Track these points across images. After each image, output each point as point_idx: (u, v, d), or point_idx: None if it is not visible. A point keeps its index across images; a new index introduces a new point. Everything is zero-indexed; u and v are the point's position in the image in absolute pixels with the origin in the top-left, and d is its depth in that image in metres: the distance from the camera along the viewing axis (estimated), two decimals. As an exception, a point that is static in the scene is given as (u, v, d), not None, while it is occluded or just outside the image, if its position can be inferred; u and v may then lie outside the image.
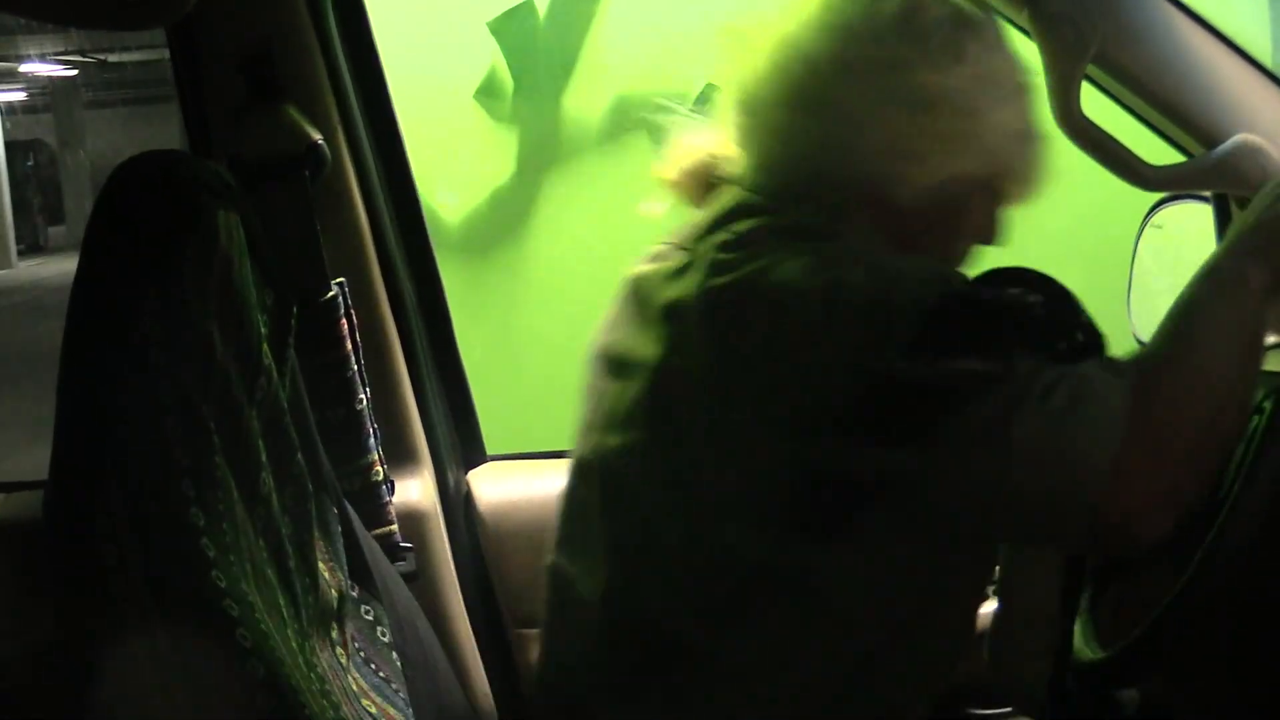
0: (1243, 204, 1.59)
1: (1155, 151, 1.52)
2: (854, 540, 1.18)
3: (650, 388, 1.24)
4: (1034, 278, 1.20)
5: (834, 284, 1.16)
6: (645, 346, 1.26)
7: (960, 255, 1.32)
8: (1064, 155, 1.52)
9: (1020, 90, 1.27)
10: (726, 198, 1.29)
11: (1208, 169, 1.49)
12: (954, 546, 1.22)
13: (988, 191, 1.28)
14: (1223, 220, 1.67)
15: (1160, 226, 1.77)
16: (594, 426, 1.32)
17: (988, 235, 1.33)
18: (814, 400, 1.14)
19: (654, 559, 1.24)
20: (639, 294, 1.31)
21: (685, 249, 1.28)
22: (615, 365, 1.31)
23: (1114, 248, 1.95)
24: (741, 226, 1.25)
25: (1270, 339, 1.66)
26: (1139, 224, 1.79)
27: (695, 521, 1.21)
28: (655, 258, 1.33)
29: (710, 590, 1.21)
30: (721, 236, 1.25)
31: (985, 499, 1.14)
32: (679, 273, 1.25)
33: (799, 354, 1.15)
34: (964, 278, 1.23)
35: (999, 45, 1.26)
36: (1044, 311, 1.18)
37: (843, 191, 1.23)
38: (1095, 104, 1.49)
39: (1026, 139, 1.28)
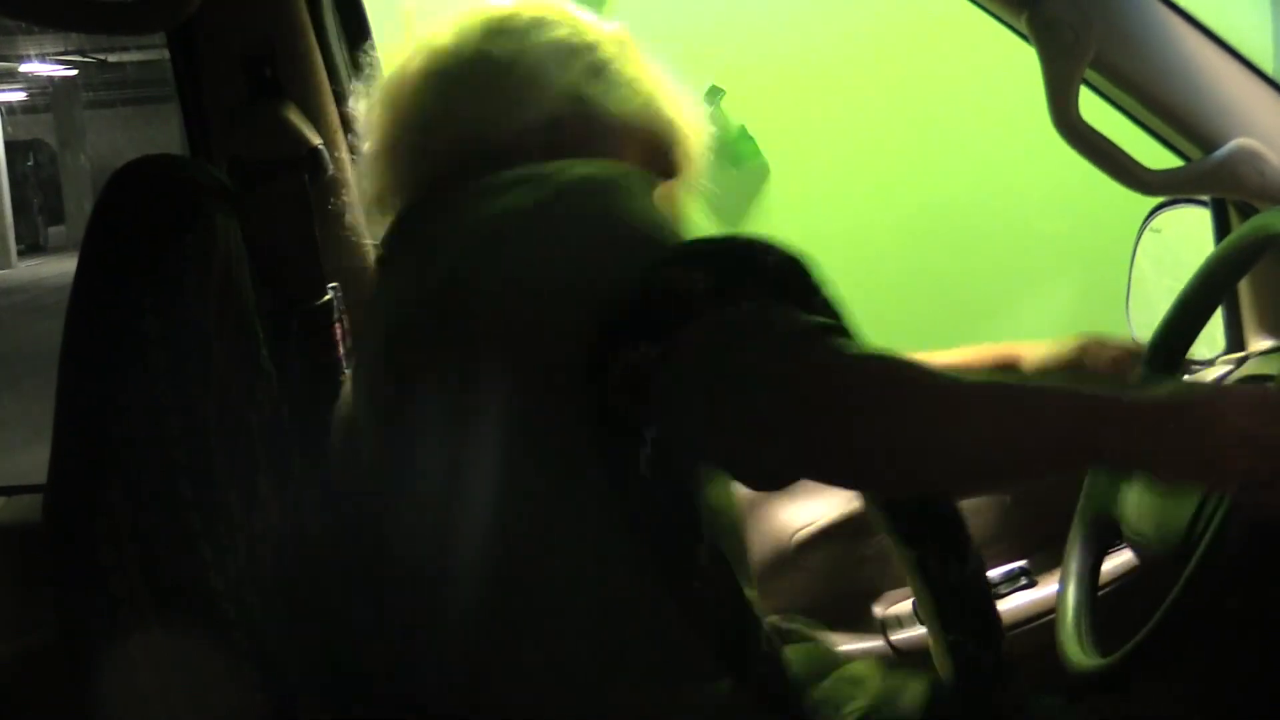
0: (1240, 208, 1.60)
1: (1153, 156, 1.52)
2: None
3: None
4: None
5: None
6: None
7: None
8: (1064, 158, 1.53)
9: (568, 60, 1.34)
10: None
11: (1206, 173, 1.50)
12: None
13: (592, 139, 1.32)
14: (1221, 224, 1.68)
15: (1159, 230, 1.78)
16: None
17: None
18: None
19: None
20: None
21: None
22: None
23: (1112, 252, 1.96)
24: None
25: (1267, 343, 1.67)
26: (1137, 228, 1.80)
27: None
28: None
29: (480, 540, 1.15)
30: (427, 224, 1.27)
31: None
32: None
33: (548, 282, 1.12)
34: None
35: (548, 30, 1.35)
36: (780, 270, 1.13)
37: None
38: (1093, 108, 1.49)
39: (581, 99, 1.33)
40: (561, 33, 1.35)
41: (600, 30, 1.38)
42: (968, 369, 1.50)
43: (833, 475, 1.10)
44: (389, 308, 1.24)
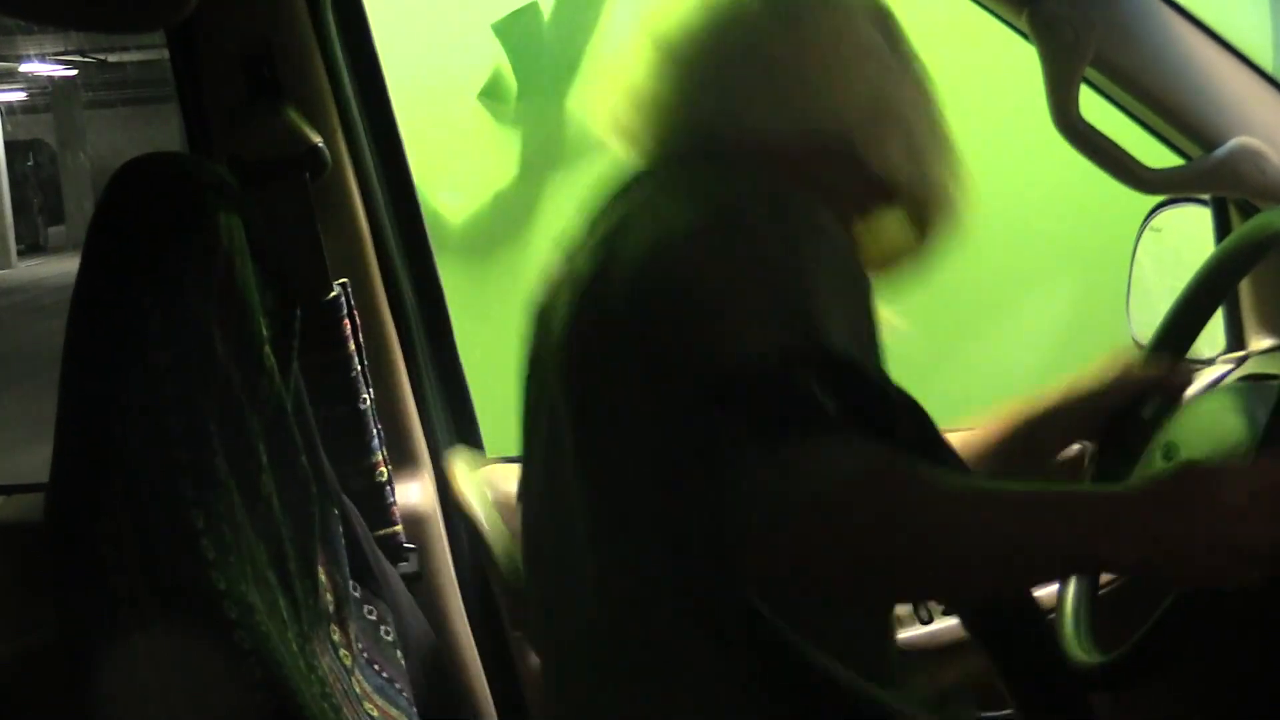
0: (1241, 207, 1.60)
1: (1153, 155, 1.52)
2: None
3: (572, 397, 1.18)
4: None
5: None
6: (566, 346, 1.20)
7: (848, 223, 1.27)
8: (1064, 157, 1.53)
9: (867, 61, 1.26)
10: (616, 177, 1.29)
11: (1206, 172, 1.50)
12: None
13: (849, 156, 1.25)
14: (1221, 223, 1.68)
15: (1159, 229, 1.77)
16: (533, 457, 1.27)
17: (861, 204, 1.28)
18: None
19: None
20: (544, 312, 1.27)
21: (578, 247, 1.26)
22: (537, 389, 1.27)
23: (1112, 251, 1.96)
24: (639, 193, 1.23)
25: (1267, 343, 1.67)
26: (1138, 227, 1.80)
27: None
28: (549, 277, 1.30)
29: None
30: (620, 208, 1.23)
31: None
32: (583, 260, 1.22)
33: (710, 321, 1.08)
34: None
35: (852, 23, 1.26)
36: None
37: (727, 144, 1.23)
38: (1094, 107, 1.49)
39: (879, 110, 1.26)
40: (869, 39, 1.27)
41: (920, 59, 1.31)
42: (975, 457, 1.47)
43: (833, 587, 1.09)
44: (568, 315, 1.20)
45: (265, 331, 1.28)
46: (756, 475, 1.01)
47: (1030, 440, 1.51)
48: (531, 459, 1.27)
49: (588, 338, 1.15)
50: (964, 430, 1.94)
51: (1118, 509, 1.06)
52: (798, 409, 1.03)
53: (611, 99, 1.30)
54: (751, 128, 1.22)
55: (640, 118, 1.28)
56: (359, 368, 1.74)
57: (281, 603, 1.23)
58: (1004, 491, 1.09)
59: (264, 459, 1.25)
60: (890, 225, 1.30)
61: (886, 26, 1.29)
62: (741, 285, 1.08)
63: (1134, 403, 1.46)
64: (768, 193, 1.14)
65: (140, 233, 1.17)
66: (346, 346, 1.72)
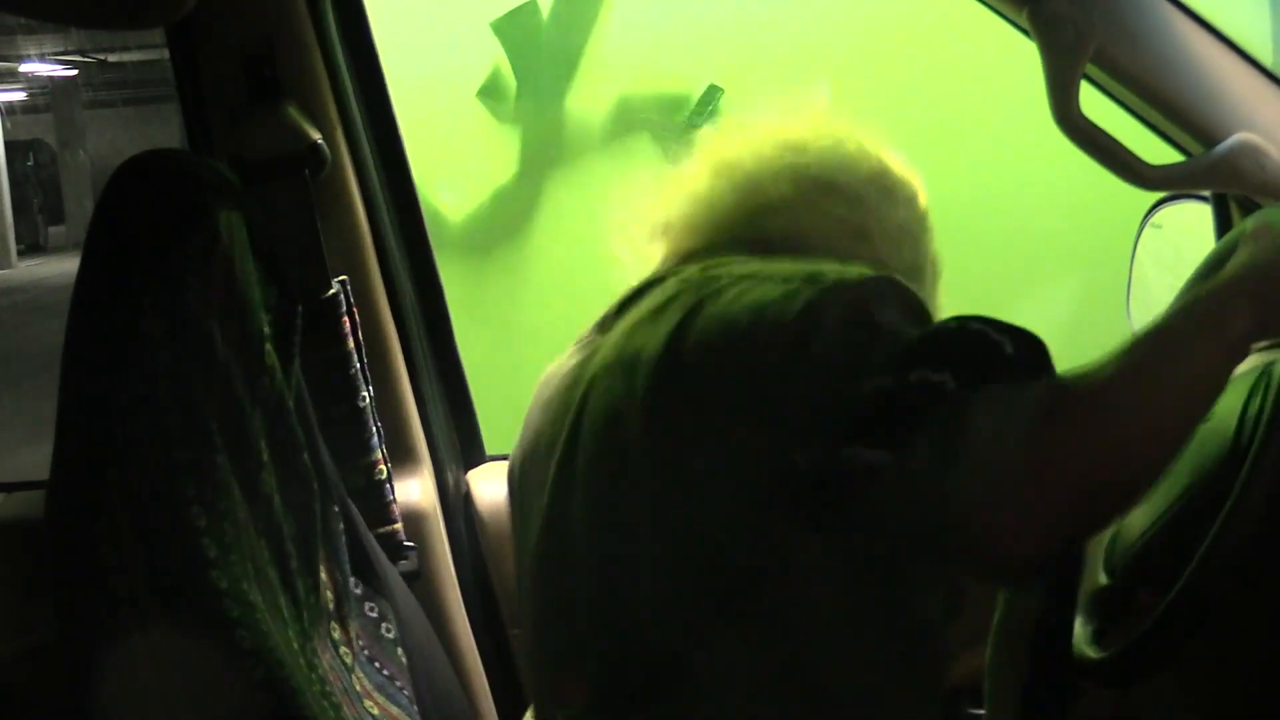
0: (1242, 203, 1.60)
1: (1154, 151, 1.52)
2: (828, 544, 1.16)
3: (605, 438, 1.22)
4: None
5: (809, 307, 1.16)
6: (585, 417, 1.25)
7: None
8: (1064, 153, 1.53)
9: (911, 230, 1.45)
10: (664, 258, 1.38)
11: (1207, 168, 1.50)
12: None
13: None
14: (1222, 220, 1.68)
15: (1159, 226, 1.77)
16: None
17: None
18: (799, 417, 1.13)
19: (640, 577, 1.22)
20: (563, 384, 1.31)
21: (607, 327, 1.32)
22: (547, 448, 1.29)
23: (1113, 248, 1.95)
24: (692, 271, 1.28)
25: (1266, 340, 1.67)
26: (1138, 224, 1.80)
27: (679, 539, 1.19)
28: (577, 349, 1.36)
29: (698, 601, 1.20)
30: (673, 282, 1.27)
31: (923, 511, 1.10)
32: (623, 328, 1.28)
33: (782, 378, 1.14)
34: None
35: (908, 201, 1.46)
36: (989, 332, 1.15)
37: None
38: (1094, 103, 1.49)
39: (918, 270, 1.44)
40: (903, 196, 1.44)
41: (916, 185, 1.47)
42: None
43: (1077, 525, 1.13)
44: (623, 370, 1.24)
45: (266, 329, 1.28)
46: (956, 470, 1.05)
47: None
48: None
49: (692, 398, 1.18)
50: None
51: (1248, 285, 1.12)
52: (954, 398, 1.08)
53: (665, 200, 1.41)
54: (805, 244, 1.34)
55: (697, 219, 1.38)
56: (358, 365, 1.74)
57: (282, 601, 1.23)
58: (1140, 347, 1.11)
59: (265, 457, 1.25)
60: None
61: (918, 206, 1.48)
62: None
63: None
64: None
65: (140, 231, 1.17)
66: (346, 344, 1.72)
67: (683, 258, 1.37)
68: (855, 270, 1.24)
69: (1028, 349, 1.14)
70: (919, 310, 1.19)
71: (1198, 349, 1.11)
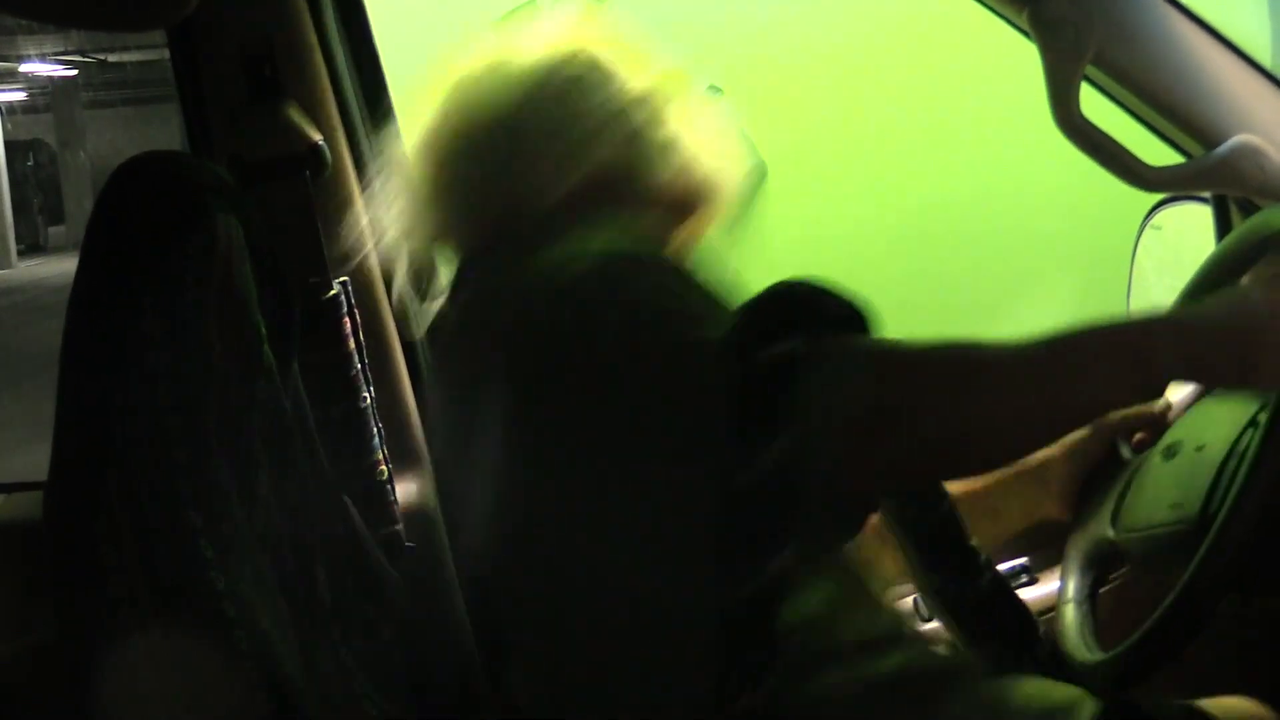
0: (1242, 205, 1.60)
1: (1154, 152, 1.52)
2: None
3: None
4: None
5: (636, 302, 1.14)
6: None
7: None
8: (1064, 155, 1.53)
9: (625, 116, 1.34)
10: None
11: (1207, 170, 1.50)
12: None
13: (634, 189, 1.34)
14: (1222, 221, 1.68)
15: (1160, 228, 1.78)
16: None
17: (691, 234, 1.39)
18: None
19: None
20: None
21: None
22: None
23: (1113, 249, 1.96)
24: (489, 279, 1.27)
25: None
26: (1138, 225, 1.80)
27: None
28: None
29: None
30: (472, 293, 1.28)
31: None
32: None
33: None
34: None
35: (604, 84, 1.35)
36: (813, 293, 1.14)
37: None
38: (1094, 105, 1.49)
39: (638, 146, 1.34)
40: (602, 95, 1.34)
41: (649, 74, 1.37)
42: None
43: (933, 469, 1.15)
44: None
45: (264, 331, 1.28)
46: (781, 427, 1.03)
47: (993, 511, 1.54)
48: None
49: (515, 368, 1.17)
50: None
51: (1175, 322, 1.12)
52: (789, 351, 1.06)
53: (411, 201, 1.37)
54: (549, 194, 1.30)
55: (446, 212, 1.35)
56: (359, 366, 1.74)
57: (281, 602, 1.23)
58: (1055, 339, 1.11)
59: (263, 459, 1.25)
60: (702, 222, 1.40)
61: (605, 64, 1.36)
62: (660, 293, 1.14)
63: (1112, 446, 1.48)
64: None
65: (138, 233, 1.17)
66: (346, 345, 1.72)
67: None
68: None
69: (852, 307, 1.14)
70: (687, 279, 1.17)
71: (1093, 375, 1.10)
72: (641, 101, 1.36)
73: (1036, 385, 1.09)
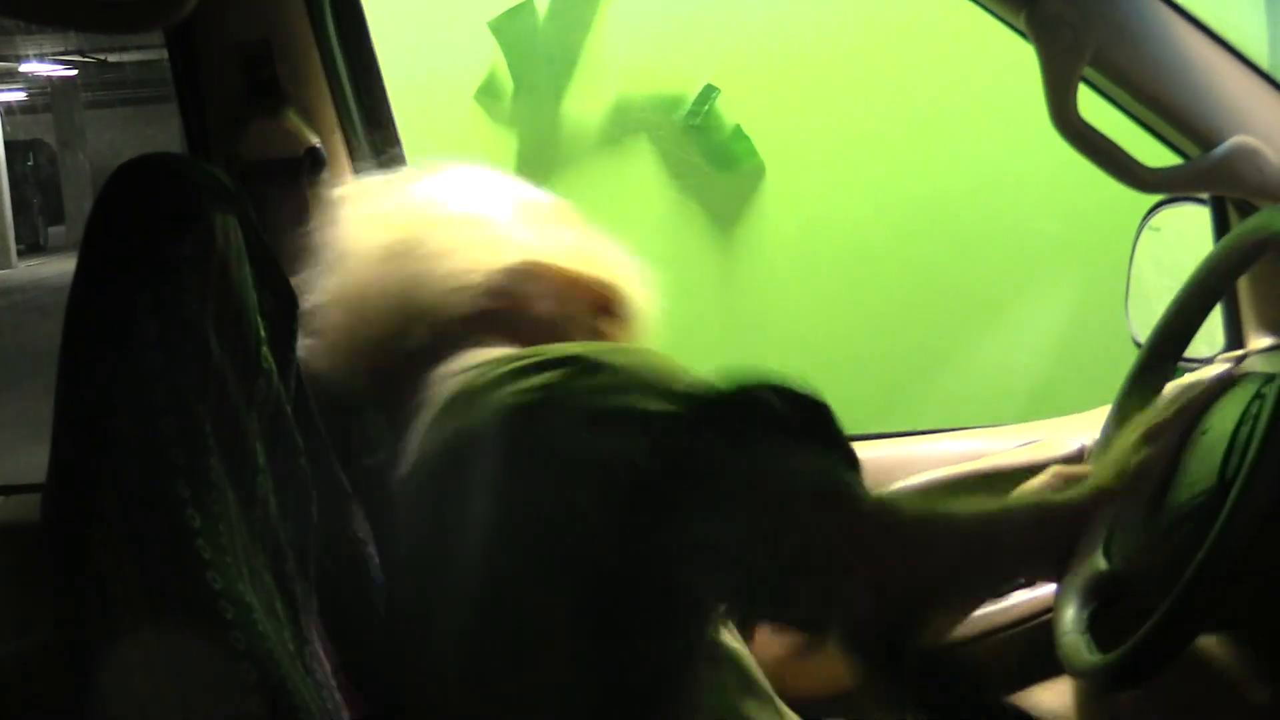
0: (1239, 206, 1.60)
1: (1152, 154, 1.52)
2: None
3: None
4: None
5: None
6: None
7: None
8: (1062, 156, 1.53)
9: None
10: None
11: (1205, 171, 1.50)
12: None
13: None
14: (1220, 222, 1.68)
15: (1158, 229, 1.78)
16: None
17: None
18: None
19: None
20: None
21: None
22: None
23: (1111, 250, 1.96)
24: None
25: (1266, 341, 1.67)
26: (1136, 226, 1.80)
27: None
28: None
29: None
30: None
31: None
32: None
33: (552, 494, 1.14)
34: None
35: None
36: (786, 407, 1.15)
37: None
38: (1092, 106, 1.49)
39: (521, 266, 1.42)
40: (490, 225, 1.44)
41: (535, 203, 1.50)
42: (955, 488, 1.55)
43: (841, 623, 1.15)
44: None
45: (263, 333, 1.28)
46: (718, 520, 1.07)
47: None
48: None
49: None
50: (965, 430, 1.94)
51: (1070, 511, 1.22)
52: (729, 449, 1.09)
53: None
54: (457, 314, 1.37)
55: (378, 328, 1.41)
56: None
57: (279, 604, 1.23)
58: (958, 518, 1.17)
59: (261, 461, 1.25)
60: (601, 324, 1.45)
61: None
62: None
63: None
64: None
65: (136, 235, 1.17)
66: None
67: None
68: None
69: (808, 413, 1.14)
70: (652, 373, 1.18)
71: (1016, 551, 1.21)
72: (533, 217, 1.47)
73: (969, 559, 1.16)
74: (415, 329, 1.38)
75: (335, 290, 1.43)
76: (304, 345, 1.40)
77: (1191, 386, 1.38)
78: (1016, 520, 1.20)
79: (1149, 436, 1.29)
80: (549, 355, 1.21)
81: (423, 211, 1.46)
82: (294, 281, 1.33)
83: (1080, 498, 1.25)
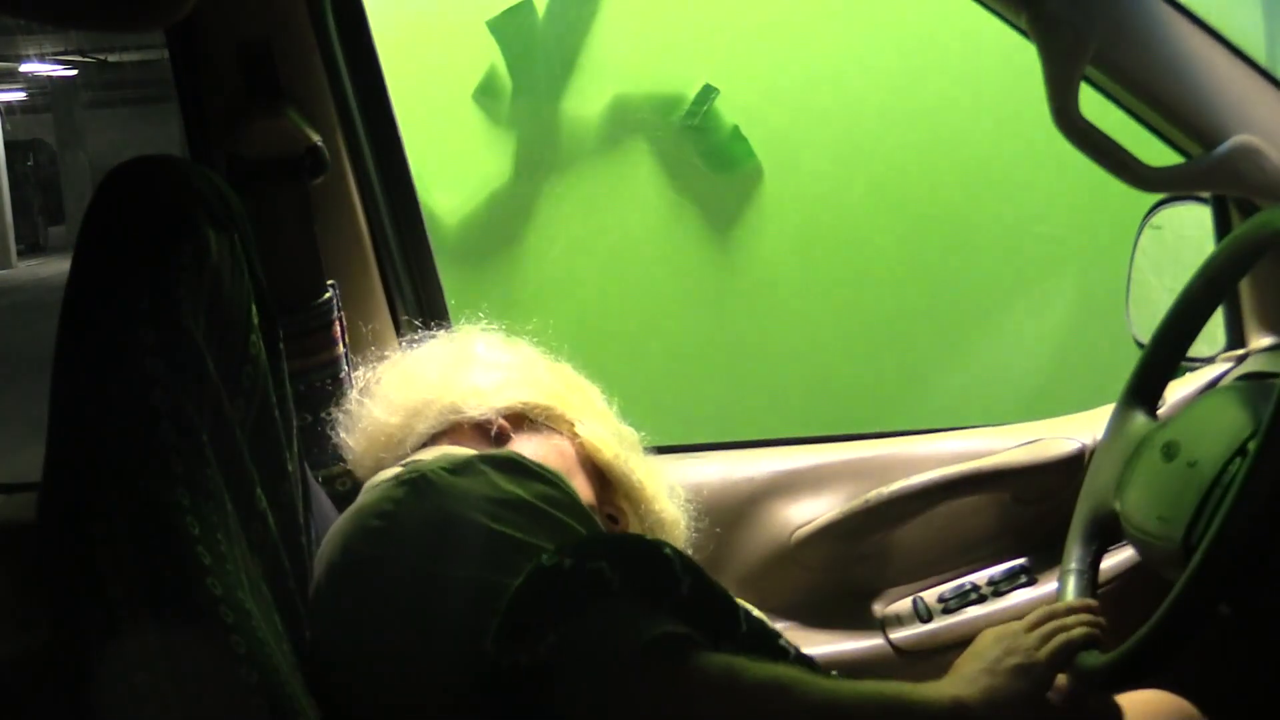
0: (1241, 205, 1.60)
1: (1154, 153, 1.52)
2: None
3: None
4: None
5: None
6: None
7: None
8: (1064, 155, 1.53)
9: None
10: None
11: (1206, 170, 1.49)
12: None
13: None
14: (1221, 221, 1.68)
15: (1159, 228, 1.77)
16: None
17: None
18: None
19: None
20: None
21: None
22: None
23: (1112, 249, 1.95)
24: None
25: (1267, 341, 1.67)
26: (1137, 225, 1.80)
27: None
28: None
29: None
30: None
31: None
32: None
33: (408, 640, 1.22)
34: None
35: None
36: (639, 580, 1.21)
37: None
38: (1094, 105, 1.49)
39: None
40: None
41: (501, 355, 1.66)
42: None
43: None
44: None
45: (257, 338, 1.28)
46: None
47: None
48: None
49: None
50: (965, 430, 1.94)
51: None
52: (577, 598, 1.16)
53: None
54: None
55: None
56: (346, 369, 1.74)
57: (277, 617, 1.23)
58: (810, 690, 1.19)
59: (258, 467, 1.25)
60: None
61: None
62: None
63: None
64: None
65: (130, 240, 1.16)
66: (336, 349, 1.72)
67: None
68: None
69: (636, 576, 1.19)
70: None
71: None
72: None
73: None
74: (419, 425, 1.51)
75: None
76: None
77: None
78: (866, 711, 1.20)
79: (1020, 671, 1.29)
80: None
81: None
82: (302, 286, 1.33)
83: (938, 703, 1.24)
